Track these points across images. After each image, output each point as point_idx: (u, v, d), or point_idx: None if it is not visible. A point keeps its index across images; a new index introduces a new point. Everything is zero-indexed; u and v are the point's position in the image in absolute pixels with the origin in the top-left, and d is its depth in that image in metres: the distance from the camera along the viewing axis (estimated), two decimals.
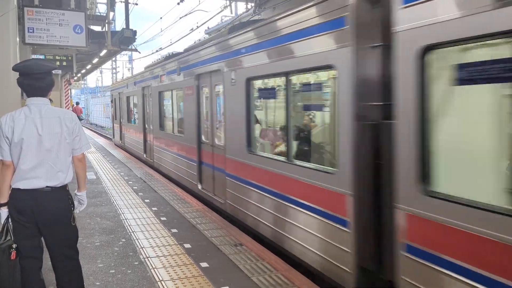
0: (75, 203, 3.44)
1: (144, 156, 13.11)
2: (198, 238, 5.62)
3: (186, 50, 9.72)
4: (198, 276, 4.37)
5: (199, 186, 8.12)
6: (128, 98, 15.86)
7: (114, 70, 49.07)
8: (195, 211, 7.05)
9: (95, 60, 18.53)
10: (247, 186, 5.98)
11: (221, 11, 17.41)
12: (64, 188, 3.28)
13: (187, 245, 5.32)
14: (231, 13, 18.52)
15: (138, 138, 13.91)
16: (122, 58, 47.23)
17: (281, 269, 4.58)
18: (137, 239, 5.57)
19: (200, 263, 4.72)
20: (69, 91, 25.15)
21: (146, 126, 12.76)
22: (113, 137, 20.52)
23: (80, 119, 29.80)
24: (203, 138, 8.03)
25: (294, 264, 4.81)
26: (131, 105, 15.66)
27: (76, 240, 3.41)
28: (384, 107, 3.67)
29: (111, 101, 21.43)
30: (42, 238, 3.29)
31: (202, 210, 7.13)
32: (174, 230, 5.95)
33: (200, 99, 8.05)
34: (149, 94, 12.23)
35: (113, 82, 21.61)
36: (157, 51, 25.33)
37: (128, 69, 51.21)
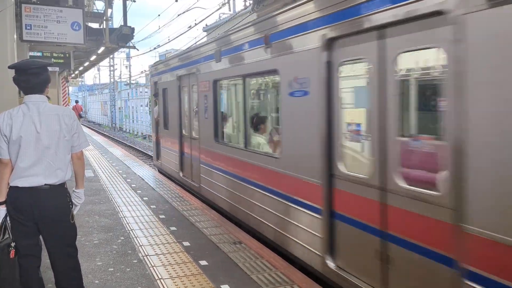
0: (73, 199, 3.42)
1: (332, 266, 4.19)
2: (197, 236, 5.61)
3: None
4: (198, 274, 4.36)
5: None
6: (217, 84, 7.17)
7: (111, 68, 49.00)
8: (193, 209, 7.04)
9: (93, 57, 18.50)
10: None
11: (219, 9, 17.38)
12: (62, 186, 3.27)
13: (186, 243, 5.31)
14: (229, 10, 18.54)
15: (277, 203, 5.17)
16: (119, 55, 47.25)
17: (280, 267, 4.57)
18: (135, 237, 5.56)
19: (199, 261, 4.71)
20: (67, 88, 25.06)
21: (338, 180, 4.01)
22: (157, 158, 11.82)
23: (81, 117, 29.75)
24: None
25: (293, 262, 4.82)
26: (226, 103, 7.74)
27: (75, 238, 3.40)
28: None
29: (153, 95, 11.99)
30: (41, 236, 3.28)
31: (201, 208, 7.12)
32: (173, 228, 5.94)
33: None
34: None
35: (157, 61, 12.43)
36: (154, 48, 25.35)
37: (126, 66, 51.09)
